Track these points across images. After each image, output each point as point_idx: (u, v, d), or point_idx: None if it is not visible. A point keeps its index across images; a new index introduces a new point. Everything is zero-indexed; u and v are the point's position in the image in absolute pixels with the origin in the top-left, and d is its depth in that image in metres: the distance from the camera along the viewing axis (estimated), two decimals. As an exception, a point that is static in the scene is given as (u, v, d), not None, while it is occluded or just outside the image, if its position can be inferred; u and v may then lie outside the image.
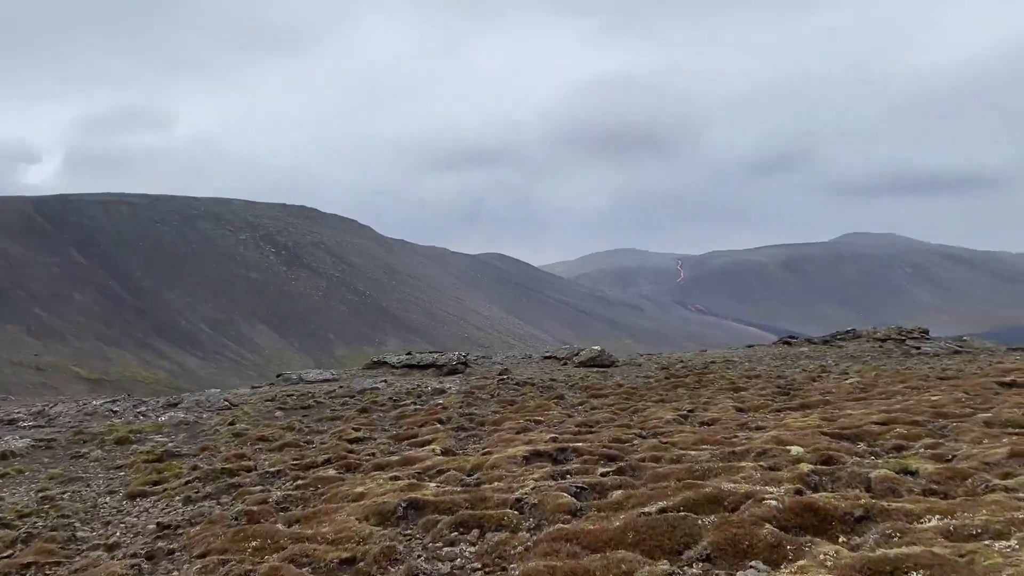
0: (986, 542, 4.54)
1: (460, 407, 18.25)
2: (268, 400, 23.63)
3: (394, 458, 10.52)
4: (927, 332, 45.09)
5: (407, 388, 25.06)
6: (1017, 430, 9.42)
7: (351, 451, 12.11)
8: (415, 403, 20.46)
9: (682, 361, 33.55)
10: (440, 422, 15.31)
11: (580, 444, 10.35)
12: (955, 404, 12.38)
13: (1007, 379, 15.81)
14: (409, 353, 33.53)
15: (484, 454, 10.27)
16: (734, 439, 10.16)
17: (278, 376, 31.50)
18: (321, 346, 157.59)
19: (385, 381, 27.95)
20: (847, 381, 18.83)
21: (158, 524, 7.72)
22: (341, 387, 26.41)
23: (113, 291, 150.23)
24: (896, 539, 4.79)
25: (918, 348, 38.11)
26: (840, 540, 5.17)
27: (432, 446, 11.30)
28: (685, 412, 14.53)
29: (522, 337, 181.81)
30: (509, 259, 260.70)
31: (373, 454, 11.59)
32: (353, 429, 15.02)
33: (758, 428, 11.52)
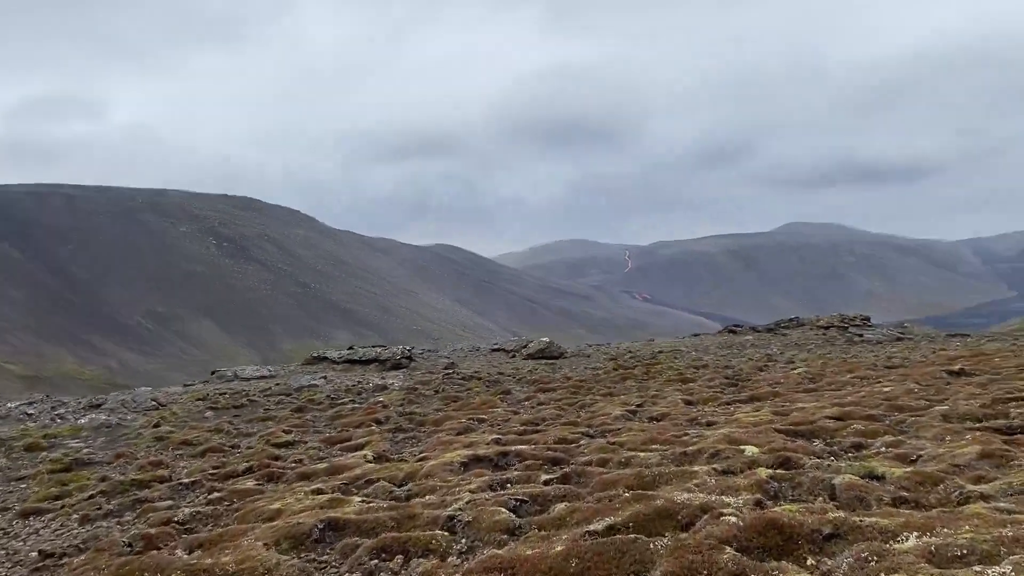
0: (976, 568, 3.93)
1: (400, 405, 17.42)
2: (199, 399, 22.47)
3: (321, 466, 9.66)
4: (868, 320, 45.63)
5: (347, 385, 24.11)
6: (976, 424, 9.00)
7: (276, 457, 11.20)
8: (354, 401, 19.56)
9: (631, 351, 33.18)
10: (378, 422, 14.47)
11: (524, 447, 9.64)
12: (908, 396, 12.01)
13: (955, 368, 15.59)
14: (351, 348, 32.50)
15: (420, 460, 9.49)
16: (685, 437, 9.57)
17: (213, 373, 30.21)
18: (267, 340, 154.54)
19: (325, 378, 26.95)
20: (795, 371, 18.52)
21: (40, 552, 6.76)
22: (278, 384, 25.33)
23: (48, 286, 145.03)
24: (873, 564, 4.17)
25: (860, 336, 38.43)
26: (808, 563, 4.55)
27: (365, 451, 10.47)
28: (633, 407, 13.94)
29: (473, 329, 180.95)
30: (460, 250, 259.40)
31: (300, 460, 10.71)
32: (284, 431, 14.09)
33: (709, 424, 10.97)
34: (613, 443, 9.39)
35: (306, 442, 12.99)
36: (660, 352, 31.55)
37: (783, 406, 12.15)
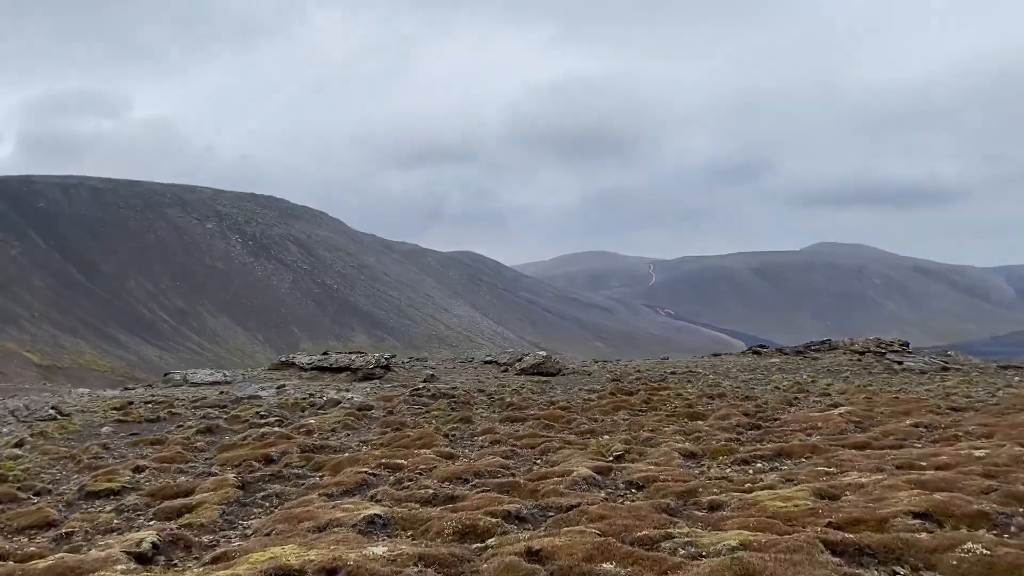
0: None
1: (323, 433, 13.41)
2: (115, 408, 18.64)
3: (43, 564, 5.66)
4: (907, 345, 40.88)
5: (297, 397, 20.15)
6: None
7: (51, 523, 7.22)
8: (280, 422, 15.57)
9: (638, 370, 28.93)
10: (266, 460, 10.47)
11: (401, 547, 5.59)
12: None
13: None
14: (325, 353, 28.63)
15: (212, 565, 5.47)
16: (664, 546, 5.47)
17: (165, 376, 26.48)
18: (286, 340, 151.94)
19: (283, 386, 23.07)
20: (835, 411, 14.22)
21: None
22: (222, 394, 21.47)
23: (72, 277, 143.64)
24: None
25: (900, 363, 33.81)
26: None
27: (142, 537, 6.42)
28: (611, 459, 9.80)
29: (491, 337, 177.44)
30: (481, 258, 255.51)
31: (65, 535, 6.74)
32: (133, 470, 10.13)
33: (711, 509, 6.83)
34: (537, 553, 5.32)
35: (139, 488, 9.01)
36: (672, 373, 27.30)
37: (827, 476, 7.96)
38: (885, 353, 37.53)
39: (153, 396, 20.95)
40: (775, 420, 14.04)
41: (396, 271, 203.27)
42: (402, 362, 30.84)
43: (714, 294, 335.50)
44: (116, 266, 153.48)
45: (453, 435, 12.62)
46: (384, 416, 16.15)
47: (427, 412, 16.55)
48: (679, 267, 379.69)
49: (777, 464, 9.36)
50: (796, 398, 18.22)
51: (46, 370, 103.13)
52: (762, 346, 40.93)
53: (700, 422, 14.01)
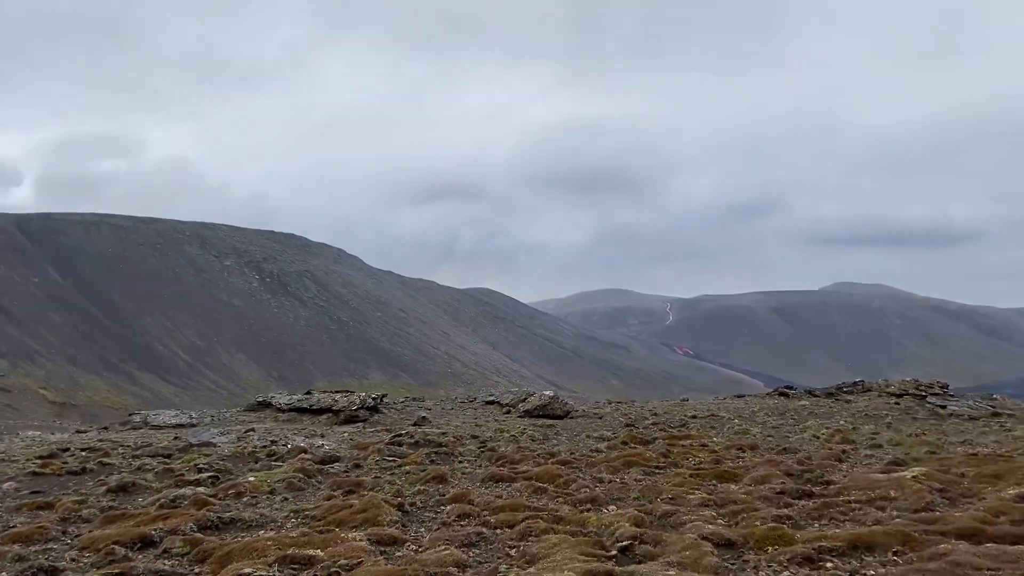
0: None
1: (255, 496, 10.45)
2: (40, 457, 15.75)
3: None
4: (947, 387, 37.33)
5: (256, 445, 17.12)
6: None
7: None
8: (215, 479, 12.61)
9: (655, 414, 25.71)
10: (138, 545, 7.50)
11: None
12: None
13: None
14: (308, 392, 25.68)
15: None
16: None
17: (130, 415, 23.65)
18: (301, 377, 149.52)
19: (251, 430, 20.14)
20: (905, 473, 11.04)
21: None
22: (176, 439, 18.52)
23: (90, 313, 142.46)
24: None
25: (944, 407, 30.33)
26: None
27: None
28: (615, 552, 6.73)
29: (507, 374, 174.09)
30: (496, 294, 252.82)
31: None
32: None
33: None
34: None
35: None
36: (693, 418, 24.06)
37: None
38: (925, 396, 34.02)
39: (97, 442, 18.07)
40: (828, 484, 10.88)
41: (412, 308, 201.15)
42: (395, 402, 27.86)
43: (732, 333, 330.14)
44: (134, 303, 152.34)
45: (413, 504, 9.63)
46: (344, 472, 13.14)
47: (399, 467, 13.53)
48: (696, 306, 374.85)
49: (858, 565, 6.33)
50: (844, 451, 14.99)
51: (60, 407, 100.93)
52: (789, 387, 37.54)
53: (732, 485, 10.89)
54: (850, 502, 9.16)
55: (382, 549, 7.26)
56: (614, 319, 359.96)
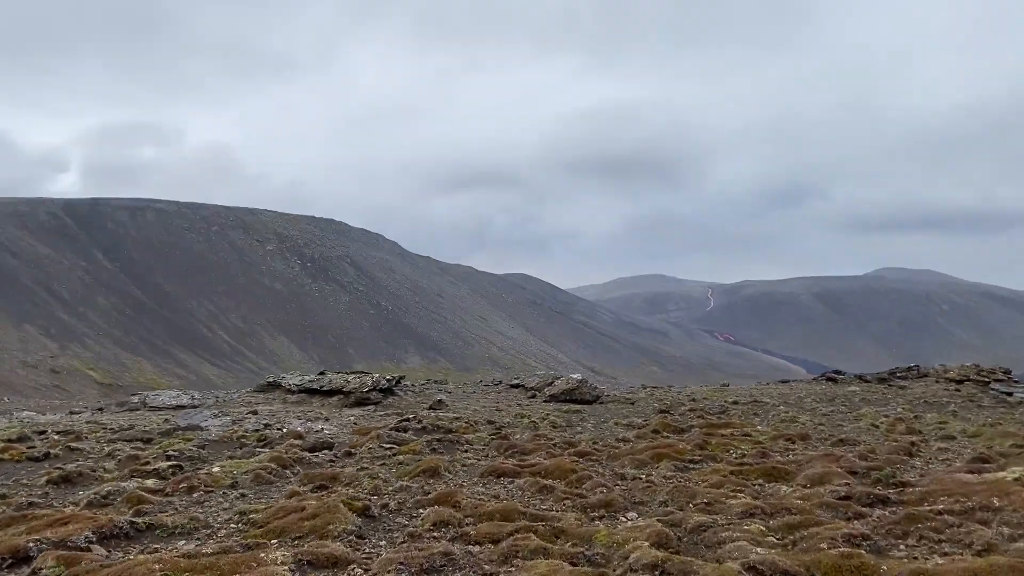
0: None
1: (206, 491, 8.65)
2: (3, 440, 14.26)
3: None
4: (1009, 373, 34.46)
5: (248, 429, 15.41)
6: None
7: None
8: (178, 468, 10.84)
9: (692, 399, 23.51)
10: (12, 560, 5.70)
11: None
12: None
13: None
14: (322, 373, 24.03)
15: None
16: None
17: (133, 396, 22.24)
18: (341, 360, 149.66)
19: (253, 412, 18.51)
20: (1004, 474, 8.79)
21: None
22: (167, 421, 16.94)
23: (136, 297, 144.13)
24: None
25: (1010, 394, 27.63)
26: None
27: None
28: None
29: (544, 359, 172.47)
30: (534, 280, 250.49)
31: None
32: None
33: None
34: None
35: None
36: (734, 404, 21.81)
37: None
38: (988, 382, 31.19)
39: (84, 424, 16.55)
40: (903, 486, 8.69)
41: (451, 293, 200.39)
42: (413, 384, 26.08)
43: (773, 319, 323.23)
44: (178, 286, 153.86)
45: (385, 507, 7.73)
46: (328, 462, 11.32)
47: (392, 456, 11.66)
48: (737, 291, 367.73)
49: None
50: (912, 444, 12.69)
51: (107, 388, 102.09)
52: (838, 372, 34.94)
53: (783, 486, 8.76)
54: (940, 513, 7.00)
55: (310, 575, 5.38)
56: (653, 305, 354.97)
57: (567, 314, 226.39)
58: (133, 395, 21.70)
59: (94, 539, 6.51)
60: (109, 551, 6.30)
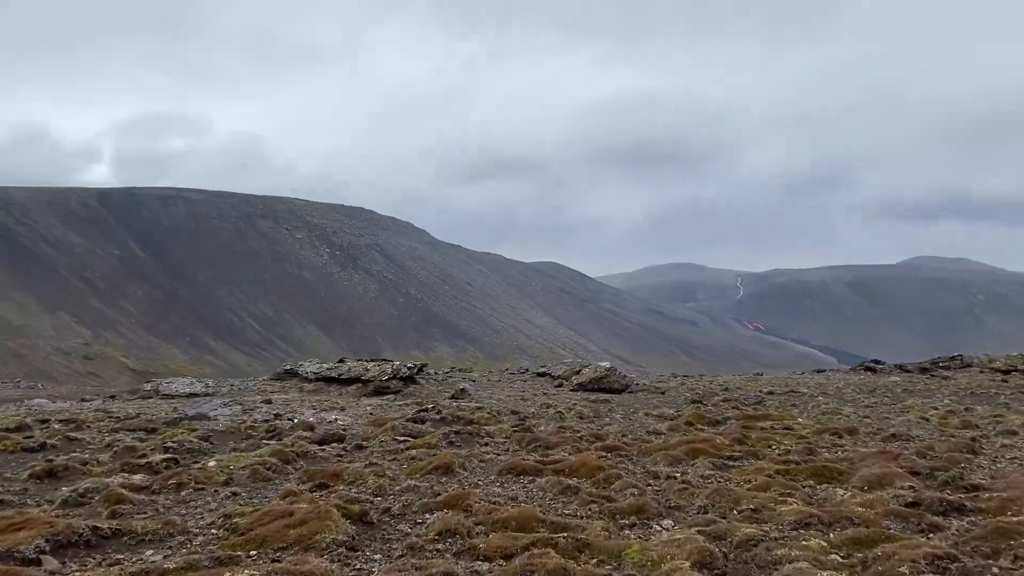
0: None
1: (196, 488, 7.81)
2: (6, 429, 13.60)
3: None
4: (1059, 363, 32.78)
5: (258, 420, 14.61)
6: None
7: None
8: (173, 462, 10.03)
9: (726, 389, 22.37)
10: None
11: None
12: None
13: None
14: (341, 360, 23.27)
15: None
16: None
17: (147, 382, 21.65)
18: (370, 348, 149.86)
19: (267, 401, 17.78)
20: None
21: None
22: (175, 409, 16.23)
23: (166, 285, 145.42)
24: None
25: (1063, 386, 26.13)
26: None
27: None
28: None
29: (573, 348, 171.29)
30: (563, 268, 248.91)
31: None
32: None
33: None
34: None
35: None
36: (769, 394, 20.65)
37: None
38: (1038, 372, 29.67)
39: (91, 412, 15.91)
40: (976, 489, 7.60)
41: (479, 281, 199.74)
42: (436, 373, 25.23)
43: (804, 308, 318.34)
44: (209, 275, 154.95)
45: (387, 511, 6.84)
46: (335, 456, 10.47)
47: (405, 450, 10.78)
48: (768, 280, 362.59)
49: None
50: (973, 440, 11.52)
51: (139, 375, 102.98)
52: (877, 362, 33.50)
53: (838, 488, 7.70)
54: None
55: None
56: (683, 293, 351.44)
57: (595, 302, 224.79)
58: (147, 382, 21.14)
59: (47, 548, 5.68)
60: (64, 562, 5.49)
